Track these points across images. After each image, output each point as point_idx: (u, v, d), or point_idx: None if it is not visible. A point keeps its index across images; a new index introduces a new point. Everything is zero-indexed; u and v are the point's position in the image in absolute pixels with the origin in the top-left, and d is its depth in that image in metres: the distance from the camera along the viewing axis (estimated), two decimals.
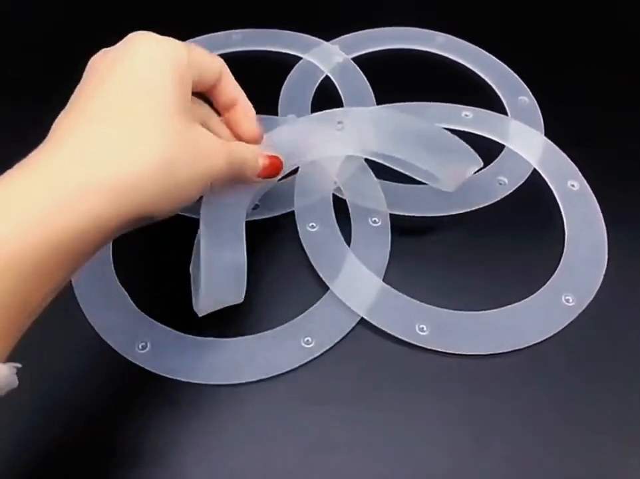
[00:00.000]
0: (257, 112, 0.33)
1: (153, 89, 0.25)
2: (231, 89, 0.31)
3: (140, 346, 0.34)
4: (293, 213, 0.39)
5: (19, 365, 0.22)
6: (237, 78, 0.32)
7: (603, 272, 0.37)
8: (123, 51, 0.26)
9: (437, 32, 0.52)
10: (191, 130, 0.26)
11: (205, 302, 0.32)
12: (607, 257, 0.38)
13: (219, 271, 0.32)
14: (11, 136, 0.42)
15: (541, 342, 0.34)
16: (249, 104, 0.32)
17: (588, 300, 0.36)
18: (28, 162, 0.23)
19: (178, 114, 0.26)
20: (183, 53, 0.27)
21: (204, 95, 0.32)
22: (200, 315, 0.32)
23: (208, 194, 0.31)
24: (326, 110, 0.41)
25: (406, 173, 0.37)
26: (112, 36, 0.28)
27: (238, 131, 0.32)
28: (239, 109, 0.32)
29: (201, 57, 0.29)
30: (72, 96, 0.26)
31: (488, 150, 0.43)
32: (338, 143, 0.38)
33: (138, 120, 0.24)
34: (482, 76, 0.50)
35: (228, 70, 0.31)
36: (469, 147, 0.37)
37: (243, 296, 0.33)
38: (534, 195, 0.41)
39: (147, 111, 0.25)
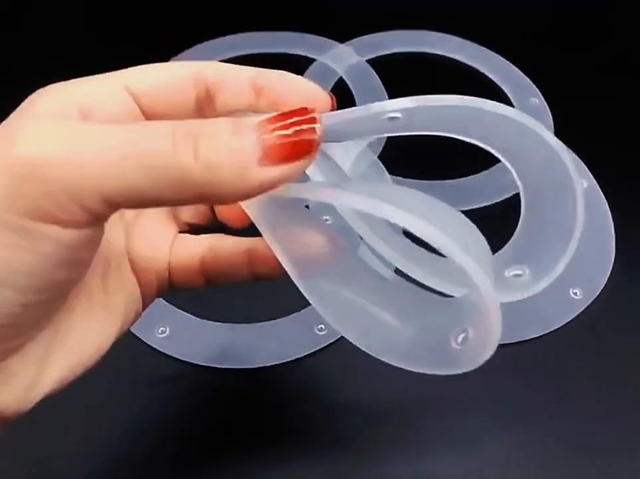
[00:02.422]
0: None
1: None
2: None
3: (160, 331, 0.35)
4: (307, 206, 0.40)
5: None
6: None
7: (610, 268, 0.38)
8: None
9: (450, 36, 0.53)
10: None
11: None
12: (614, 253, 0.38)
13: None
14: None
15: (549, 333, 0.35)
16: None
17: (595, 294, 0.37)
18: None
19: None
20: None
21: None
22: None
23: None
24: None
25: None
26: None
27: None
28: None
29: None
30: None
31: None
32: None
33: None
34: (493, 78, 0.51)
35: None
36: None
37: None
38: None
39: None
